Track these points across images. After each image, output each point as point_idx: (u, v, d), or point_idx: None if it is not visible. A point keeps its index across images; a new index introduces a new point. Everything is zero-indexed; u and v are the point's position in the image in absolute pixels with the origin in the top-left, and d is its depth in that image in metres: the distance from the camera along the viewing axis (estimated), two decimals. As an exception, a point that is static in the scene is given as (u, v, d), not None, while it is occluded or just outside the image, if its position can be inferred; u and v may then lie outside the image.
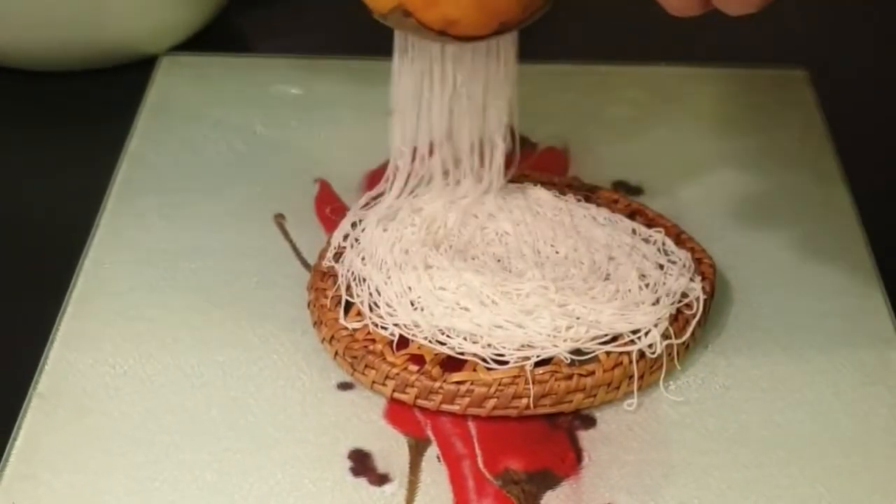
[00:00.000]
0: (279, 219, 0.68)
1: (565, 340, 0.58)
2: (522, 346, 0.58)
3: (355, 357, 0.59)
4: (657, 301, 0.60)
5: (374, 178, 0.71)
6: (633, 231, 0.64)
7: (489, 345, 0.58)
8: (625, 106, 0.77)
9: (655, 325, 0.60)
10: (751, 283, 0.65)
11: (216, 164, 0.72)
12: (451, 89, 0.62)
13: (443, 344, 0.58)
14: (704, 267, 0.63)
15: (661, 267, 0.62)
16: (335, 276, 0.62)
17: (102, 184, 0.70)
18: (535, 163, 0.71)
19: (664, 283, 0.61)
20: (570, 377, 0.58)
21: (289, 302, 0.63)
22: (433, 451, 0.57)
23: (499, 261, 0.62)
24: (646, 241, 0.64)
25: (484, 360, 0.58)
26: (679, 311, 0.61)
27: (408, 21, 0.58)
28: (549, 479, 0.56)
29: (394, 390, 0.58)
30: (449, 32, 0.58)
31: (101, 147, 0.73)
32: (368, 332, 0.60)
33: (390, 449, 0.57)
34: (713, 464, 0.56)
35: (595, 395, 0.58)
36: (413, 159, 0.63)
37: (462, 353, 0.58)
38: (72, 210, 0.69)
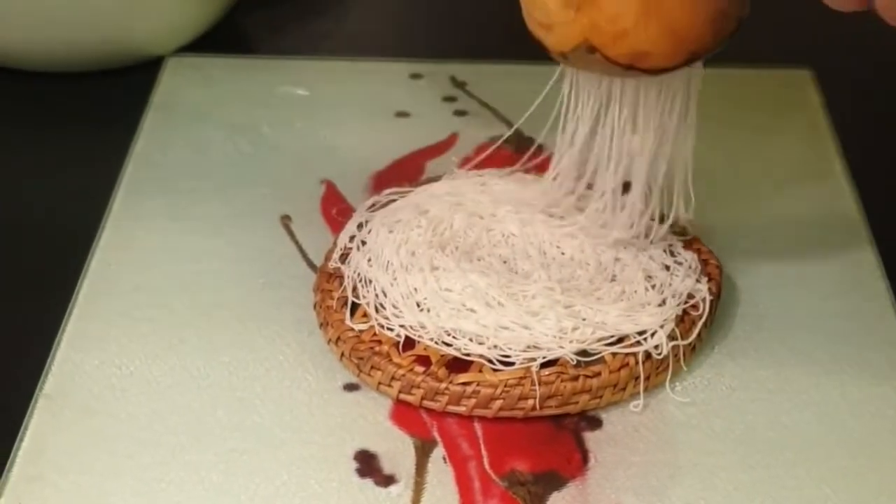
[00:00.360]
0: (285, 220, 0.68)
1: (571, 342, 0.58)
2: (528, 347, 0.58)
3: (361, 358, 0.59)
4: (663, 302, 0.60)
5: (381, 179, 0.71)
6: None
7: (495, 346, 0.58)
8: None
9: (661, 327, 0.60)
10: (757, 284, 0.65)
11: (222, 165, 0.72)
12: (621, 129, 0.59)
13: (449, 345, 0.58)
14: (710, 268, 0.63)
15: (668, 268, 0.62)
16: (341, 277, 0.62)
17: (108, 184, 0.70)
18: (542, 164, 0.71)
19: (670, 285, 0.61)
20: (576, 378, 0.58)
21: (295, 303, 0.63)
22: (439, 452, 0.57)
23: (505, 262, 0.62)
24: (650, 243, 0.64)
25: (490, 361, 0.58)
26: (685, 312, 0.61)
27: (594, 58, 0.55)
28: (555, 481, 0.56)
29: (400, 391, 0.58)
30: (637, 66, 0.56)
31: (107, 148, 0.73)
32: (374, 334, 0.60)
33: (396, 450, 0.57)
34: (719, 465, 0.56)
35: (601, 397, 0.58)
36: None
37: (468, 355, 0.58)
38: (78, 211, 0.69)
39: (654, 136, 0.59)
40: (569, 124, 0.60)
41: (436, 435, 0.57)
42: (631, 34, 0.55)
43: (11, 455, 0.56)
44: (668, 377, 0.60)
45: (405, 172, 0.71)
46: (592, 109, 0.59)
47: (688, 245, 0.64)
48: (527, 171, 0.67)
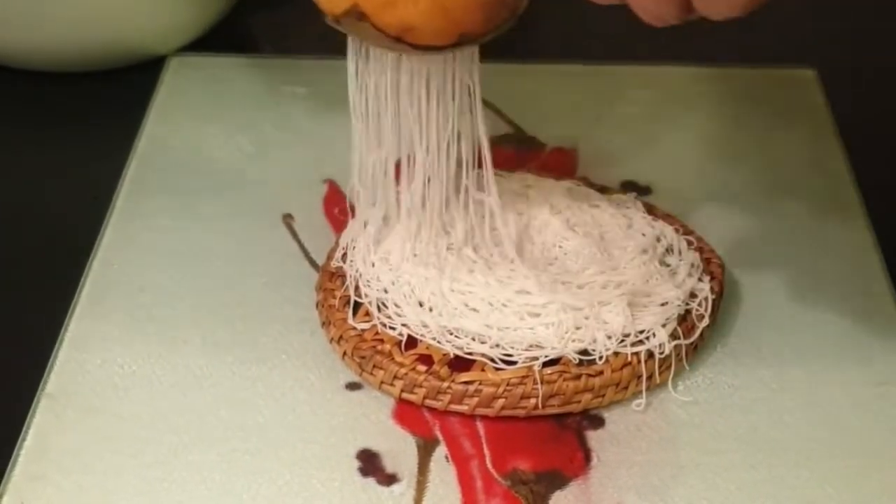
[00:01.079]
0: (287, 219, 0.69)
1: (574, 340, 0.58)
2: (531, 346, 0.58)
3: (364, 357, 0.59)
4: (665, 301, 0.60)
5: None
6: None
7: (497, 345, 0.58)
8: (634, 106, 0.77)
9: (664, 326, 0.60)
10: (759, 282, 0.65)
11: (224, 165, 0.72)
12: (409, 102, 0.58)
13: (451, 344, 0.58)
14: (713, 267, 0.63)
15: (670, 267, 0.62)
16: (343, 276, 0.62)
17: (111, 184, 0.70)
18: (543, 163, 0.71)
19: (673, 284, 0.61)
20: (578, 377, 0.58)
21: (297, 302, 0.63)
22: (441, 451, 0.57)
23: (507, 260, 0.62)
24: (655, 240, 0.64)
25: (492, 360, 0.58)
26: (688, 311, 0.61)
27: (362, 25, 0.55)
28: (557, 480, 0.56)
29: (402, 390, 0.58)
30: (405, 39, 0.55)
31: (110, 147, 0.73)
32: (377, 333, 0.60)
33: (399, 449, 0.57)
34: (722, 464, 0.56)
35: (603, 396, 0.58)
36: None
37: (470, 354, 0.58)
38: (80, 210, 0.69)
39: (436, 115, 0.59)
40: (359, 98, 0.60)
41: (438, 434, 0.57)
42: (399, 5, 0.54)
43: (14, 454, 0.56)
44: (671, 376, 0.59)
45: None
46: (379, 84, 0.59)
47: (690, 244, 0.64)
48: (529, 170, 0.67)
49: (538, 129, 0.71)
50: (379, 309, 0.60)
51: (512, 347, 0.58)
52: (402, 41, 0.55)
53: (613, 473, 0.56)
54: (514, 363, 0.58)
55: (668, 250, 0.63)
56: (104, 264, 0.65)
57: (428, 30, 0.55)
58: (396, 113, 0.59)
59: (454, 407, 0.58)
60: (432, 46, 0.56)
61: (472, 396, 0.58)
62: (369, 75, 0.58)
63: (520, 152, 0.68)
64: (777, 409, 0.59)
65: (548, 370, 0.58)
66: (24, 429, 0.57)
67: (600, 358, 0.58)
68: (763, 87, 0.79)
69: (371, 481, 0.55)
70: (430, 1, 0.54)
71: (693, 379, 0.60)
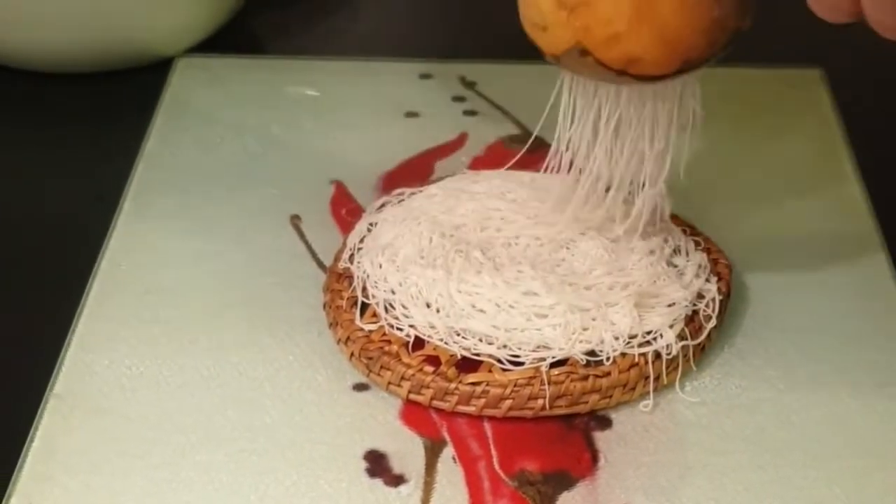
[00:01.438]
0: (295, 220, 0.69)
1: (581, 341, 0.58)
2: (538, 346, 0.58)
3: (371, 358, 0.59)
4: (673, 302, 0.60)
5: (390, 179, 0.71)
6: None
7: (505, 346, 0.58)
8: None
9: (671, 326, 0.60)
10: (767, 283, 0.65)
11: (232, 166, 0.72)
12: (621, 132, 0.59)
13: (458, 345, 0.58)
14: (720, 267, 0.63)
15: (677, 268, 0.62)
16: (351, 277, 0.62)
17: (119, 185, 0.70)
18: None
19: (680, 284, 0.61)
20: (585, 378, 0.58)
21: (304, 303, 0.63)
22: (449, 451, 0.57)
23: (515, 262, 0.62)
24: (662, 241, 0.64)
25: (499, 360, 0.58)
26: (695, 311, 0.61)
27: (585, 61, 0.55)
28: (564, 480, 0.56)
29: (409, 391, 0.58)
30: (629, 72, 0.55)
31: (117, 149, 0.73)
32: (384, 334, 0.60)
33: (406, 450, 0.57)
34: (729, 465, 0.56)
35: (611, 396, 0.58)
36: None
37: (478, 354, 0.58)
38: (88, 211, 0.69)
39: (649, 143, 0.59)
40: (566, 127, 0.60)
41: (445, 435, 0.58)
42: (623, 38, 0.54)
43: (22, 455, 0.56)
44: (678, 377, 0.60)
45: (415, 172, 0.71)
46: (587, 113, 0.59)
47: (697, 245, 0.64)
48: (537, 170, 0.67)
49: (544, 131, 0.71)
50: (386, 310, 0.60)
51: (519, 348, 0.58)
52: (625, 74, 0.55)
53: (621, 474, 0.56)
54: (521, 364, 0.58)
55: (676, 251, 0.63)
56: (112, 265, 0.66)
57: (652, 61, 0.55)
58: (612, 144, 0.59)
59: (461, 408, 0.58)
60: (656, 76, 0.55)
61: (479, 397, 0.58)
62: (584, 108, 0.59)
63: (527, 153, 0.68)
64: (785, 409, 0.59)
65: (555, 371, 0.58)
66: (32, 429, 0.57)
67: (607, 359, 0.58)
68: (769, 87, 0.79)
69: (378, 482, 0.55)
70: (653, 33, 0.54)
71: (700, 380, 0.60)
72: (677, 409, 0.59)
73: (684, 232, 0.64)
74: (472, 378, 0.58)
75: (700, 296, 0.61)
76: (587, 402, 0.58)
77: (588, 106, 0.59)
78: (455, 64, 0.80)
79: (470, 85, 0.78)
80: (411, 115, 0.76)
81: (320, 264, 0.66)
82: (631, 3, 0.54)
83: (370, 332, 0.60)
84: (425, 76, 0.79)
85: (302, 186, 0.71)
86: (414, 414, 0.58)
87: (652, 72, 0.55)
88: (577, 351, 0.58)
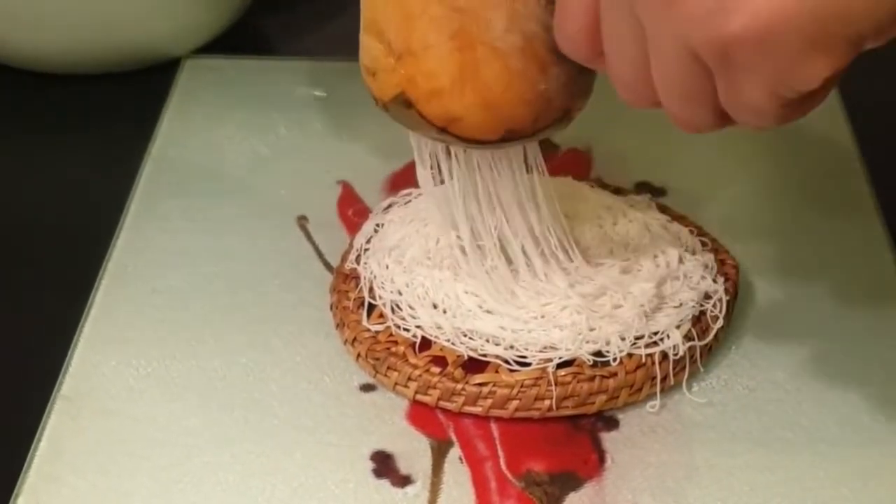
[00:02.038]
0: (302, 221, 0.69)
1: (588, 342, 0.58)
2: (545, 347, 0.58)
3: (378, 359, 0.59)
4: (680, 303, 0.60)
5: (397, 180, 0.71)
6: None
7: (511, 346, 0.58)
8: (648, 107, 0.76)
9: (678, 327, 0.60)
10: (774, 284, 0.65)
11: (239, 167, 0.72)
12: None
13: (465, 346, 0.58)
14: (727, 268, 0.63)
15: (684, 268, 0.62)
16: (357, 278, 0.62)
17: (126, 186, 0.70)
18: (558, 164, 0.71)
19: (687, 285, 0.61)
20: (592, 379, 0.58)
21: (311, 304, 0.63)
22: (455, 452, 0.57)
23: (522, 263, 0.62)
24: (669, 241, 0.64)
25: (506, 361, 0.58)
26: (702, 312, 0.61)
27: (409, 113, 0.54)
28: (571, 481, 0.56)
29: (416, 392, 0.58)
30: (451, 131, 0.54)
31: (125, 150, 0.73)
32: (391, 334, 0.60)
33: (413, 450, 0.57)
34: (736, 465, 0.56)
35: (618, 397, 0.58)
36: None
37: (484, 355, 0.58)
38: (95, 213, 0.69)
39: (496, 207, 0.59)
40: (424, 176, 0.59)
41: (452, 435, 0.58)
42: (445, 95, 0.53)
43: (29, 455, 0.56)
44: (685, 378, 0.59)
45: (421, 173, 0.71)
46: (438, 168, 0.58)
47: (704, 245, 0.64)
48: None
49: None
50: (393, 311, 0.60)
51: (526, 349, 0.58)
52: (446, 132, 0.55)
53: (628, 475, 0.56)
54: (528, 365, 0.58)
55: (683, 252, 0.63)
56: (119, 266, 0.66)
57: (474, 123, 0.54)
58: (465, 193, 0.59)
59: (468, 408, 0.58)
60: (479, 141, 0.55)
61: (486, 398, 0.58)
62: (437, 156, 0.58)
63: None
64: (791, 410, 0.59)
65: (562, 372, 0.58)
66: (40, 430, 0.57)
67: (614, 359, 0.58)
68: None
69: (385, 483, 0.55)
70: (475, 95, 0.53)
71: (707, 380, 0.60)
72: (684, 409, 0.59)
73: (691, 232, 0.64)
74: (478, 379, 0.58)
75: (707, 296, 0.61)
76: (594, 403, 0.58)
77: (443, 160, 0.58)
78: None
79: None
80: (418, 115, 0.76)
81: (327, 265, 0.66)
82: (455, 61, 0.53)
83: (377, 332, 0.60)
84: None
85: (309, 187, 0.71)
86: (421, 414, 0.58)
87: (473, 135, 0.54)
88: (584, 351, 0.58)
